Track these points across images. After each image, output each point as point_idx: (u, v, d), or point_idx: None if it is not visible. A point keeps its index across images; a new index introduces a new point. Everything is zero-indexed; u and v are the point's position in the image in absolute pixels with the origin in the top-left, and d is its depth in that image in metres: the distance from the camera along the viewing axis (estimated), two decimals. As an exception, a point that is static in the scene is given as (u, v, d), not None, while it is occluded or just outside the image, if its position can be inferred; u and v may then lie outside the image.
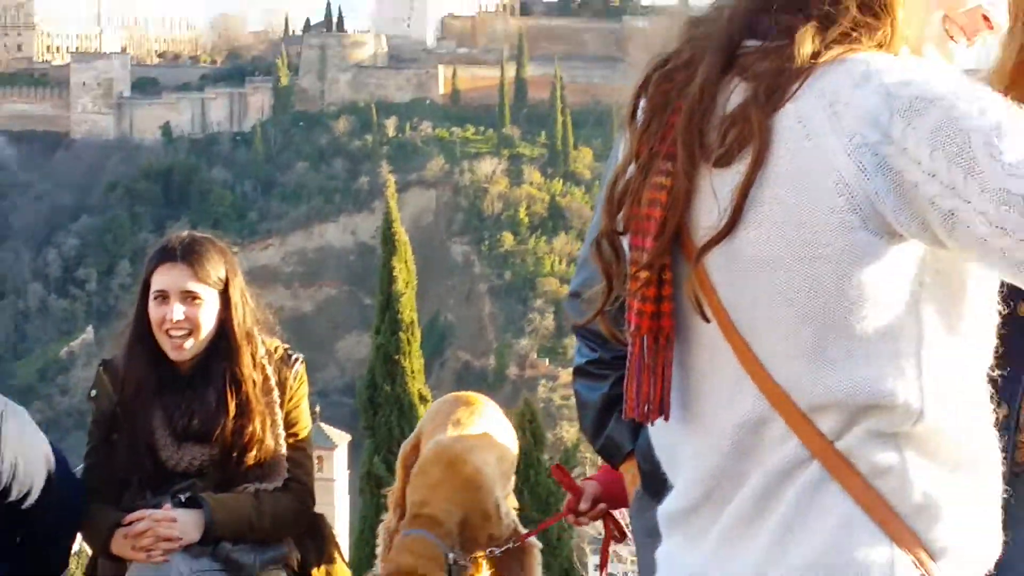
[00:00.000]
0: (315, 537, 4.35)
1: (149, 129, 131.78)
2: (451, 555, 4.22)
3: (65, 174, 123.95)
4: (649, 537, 2.75)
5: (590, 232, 2.83)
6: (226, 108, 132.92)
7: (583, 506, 3.81)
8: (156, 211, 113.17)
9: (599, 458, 3.37)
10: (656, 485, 2.22)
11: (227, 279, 4.06)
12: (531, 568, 4.49)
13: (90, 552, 4.32)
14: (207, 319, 3.96)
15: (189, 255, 3.97)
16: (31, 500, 3.87)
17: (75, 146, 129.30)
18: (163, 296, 3.93)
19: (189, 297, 3.95)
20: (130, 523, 3.95)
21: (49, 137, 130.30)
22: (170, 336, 3.93)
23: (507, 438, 4.75)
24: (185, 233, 4.16)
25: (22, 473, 3.87)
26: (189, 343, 3.95)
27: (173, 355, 3.95)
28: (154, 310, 3.93)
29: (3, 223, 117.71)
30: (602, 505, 3.73)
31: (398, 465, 4.71)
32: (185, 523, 3.96)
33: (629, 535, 3.54)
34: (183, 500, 4.04)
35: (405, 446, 4.72)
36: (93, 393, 4.17)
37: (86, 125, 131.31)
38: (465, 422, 4.56)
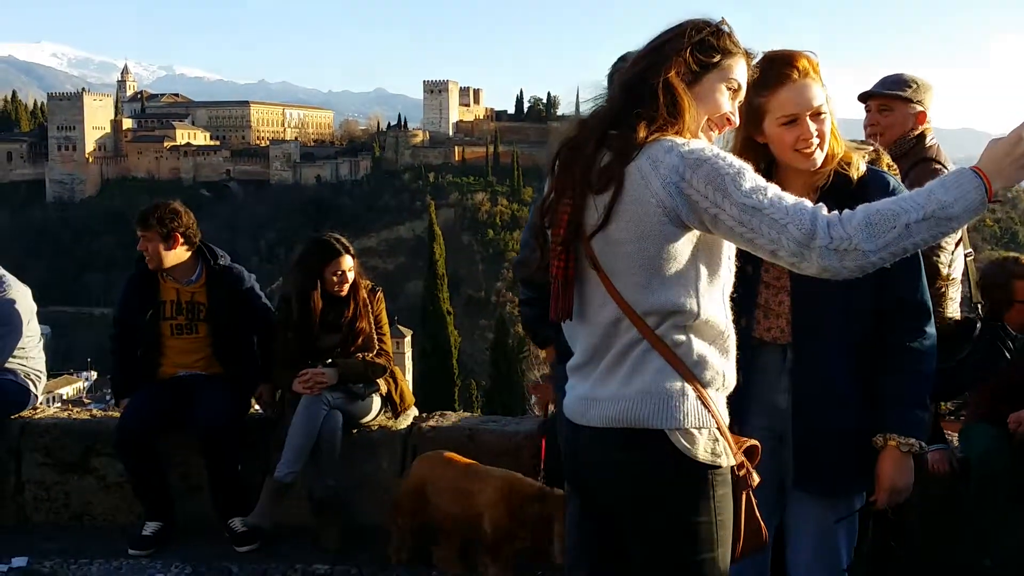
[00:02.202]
0: (394, 379, 4.58)
1: (310, 178, 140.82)
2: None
3: (267, 202, 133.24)
4: (560, 380, 2.49)
5: (526, 230, 3.00)
6: (348, 167, 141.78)
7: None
8: (312, 221, 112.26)
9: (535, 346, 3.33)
10: (563, 355, 2.45)
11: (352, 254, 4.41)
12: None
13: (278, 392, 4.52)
14: (350, 277, 4.38)
15: (347, 248, 4.41)
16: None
17: (272, 187, 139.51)
18: (335, 272, 4.36)
19: (340, 266, 4.35)
20: (302, 375, 4.26)
21: (259, 183, 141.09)
22: (336, 285, 4.38)
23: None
24: (326, 234, 4.49)
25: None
26: (344, 290, 4.38)
27: (340, 294, 4.37)
28: (332, 282, 4.36)
29: (235, 228, 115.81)
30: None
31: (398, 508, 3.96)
32: (329, 374, 4.26)
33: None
34: (327, 363, 4.34)
35: (406, 491, 3.92)
36: (280, 309, 4.45)
37: (277, 176, 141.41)
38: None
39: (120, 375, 4.59)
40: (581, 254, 1.95)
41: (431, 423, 4.70)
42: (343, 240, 4.50)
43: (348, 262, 4.43)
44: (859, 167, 2.42)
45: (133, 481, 4.34)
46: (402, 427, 4.64)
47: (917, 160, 3.50)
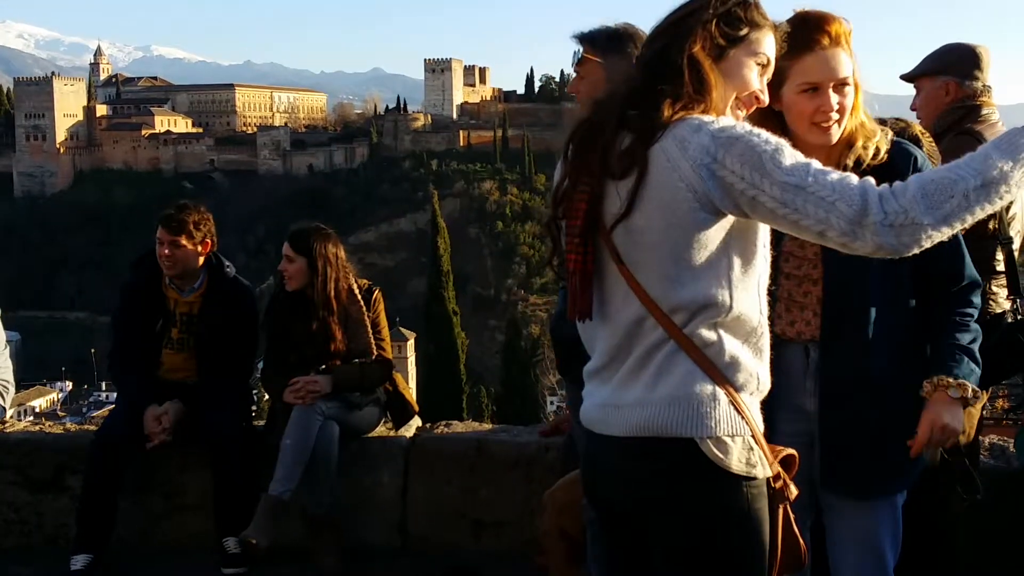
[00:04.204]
0: (395, 387, 4.64)
1: (301, 168, 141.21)
2: None
3: (255, 193, 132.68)
4: (574, 383, 2.78)
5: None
6: (342, 155, 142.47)
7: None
8: (305, 214, 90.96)
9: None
10: (569, 362, 2.86)
11: (312, 248, 4.39)
12: None
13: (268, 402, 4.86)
14: (298, 272, 4.37)
15: (291, 237, 4.46)
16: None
17: (260, 178, 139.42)
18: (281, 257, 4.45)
19: (288, 259, 4.38)
20: (292, 383, 4.31)
21: (246, 173, 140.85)
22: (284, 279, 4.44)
23: None
24: (303, 222, 4.57)
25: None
26: (290, 285, 4.41)
27: (288, 288, 4.42)
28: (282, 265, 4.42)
29: (221, 221, 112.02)
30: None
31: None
32: (322, 382, 4.30)
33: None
34: (320, 370, 4.38)
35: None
36: (264, 314, 4.57)
37: (265, 166, 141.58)
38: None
39: (127, 376, 4.61)
40: (600, 247, 1.93)
41: (435, 433, 4.73)
42: (301, 227, 4.51)
43: (286, 249, 4.44)
44: (884, 145, 2.46)
45: (86, 499, 4.31)
46: (405, 438, 4.66)
47: (954, 133, 3.51)
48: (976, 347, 2.48)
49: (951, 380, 2.40)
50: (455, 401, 38.84)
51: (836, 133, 2.42)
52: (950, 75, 3.63)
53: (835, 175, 1.79)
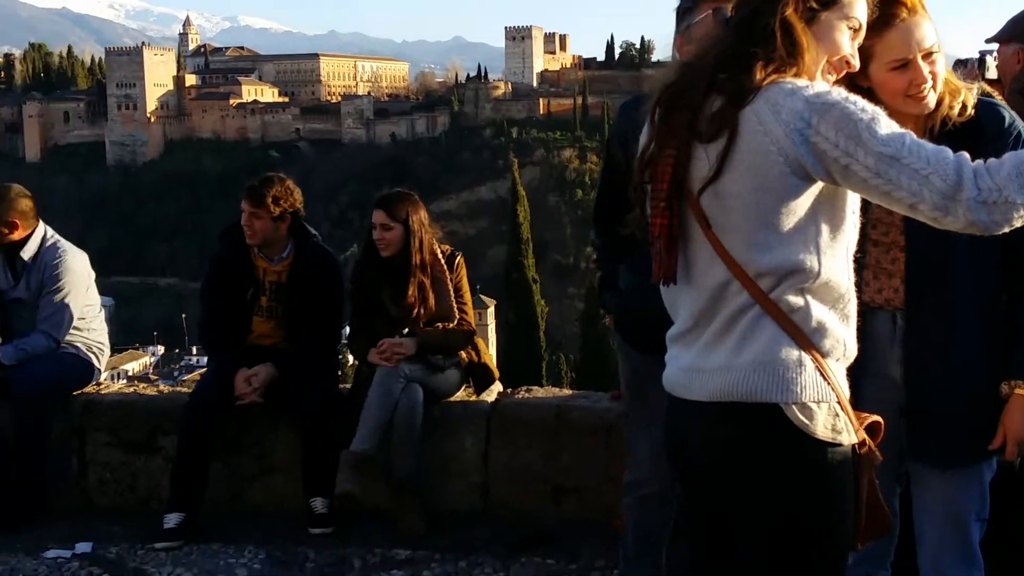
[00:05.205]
0: (476, 352, 4.68)
1: (384, 136, 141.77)
2: None
3: (339, 162, 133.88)
4: (619, 353, 3.11)
5: (602, 185, 3.14)
6: (424, 124, 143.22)
7: None
8: (388, 182, 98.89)
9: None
10: (619, 326, 3.02)
11: (407, 215, 4.44)
12: None
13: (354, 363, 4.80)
14: (394, 238, 4.42)
15: (384, 203, 4.48)
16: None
17: (344, 147, 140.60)
18: (374, 226, 4.47)
19: (384, 227, 4.44)
20: (379, 346, 4.39)
21: (331, 142, 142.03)
22: (378, 247, 4.49)
23: None
24: (386, 190, 4.63)
25: None
26: (386, 251, 4.45)
27: (383, 255, 4.47)
28: (374, 234, 4.48)
29: (307, 190, 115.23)
30: None
31: None
32: (407, 345, 4.37)
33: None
34: (404, 333, 4.45)
35: None
36: (352, 279, 4.63)
37: (350, 135, 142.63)
38: None
39: (218, 343, 4.77)
40: (686, 211, 1.92)
41: (516, 399, 4.75)
42: (397, 193, 4.58)
43: (380, 217, 4.49)
44: (970, 101, 2.42)
45: (179, 460, 4.43)
46: (486, 403, 4.69)
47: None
48: None
49: None
50: (535, 368, 38.97)
51: (932, 100, 2.38)
52: (1021, 42, 3.54)
53: (930, 147, 1.77)
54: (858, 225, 1.96)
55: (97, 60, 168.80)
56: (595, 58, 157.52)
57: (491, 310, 62.41)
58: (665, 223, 1.92)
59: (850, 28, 1.95)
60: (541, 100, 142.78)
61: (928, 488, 2.53)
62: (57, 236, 4.88)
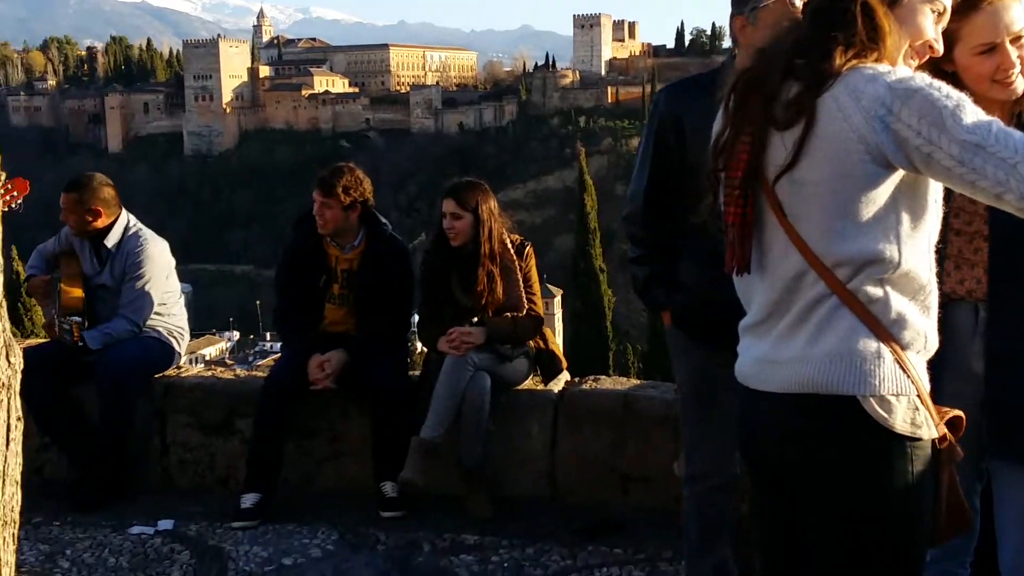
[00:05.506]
0: (544, 341, 4.67)
1: (452, 126, 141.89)
2: None
3: (408, 151, 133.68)
4: (678, 352, 3.08)
5: (637, 177, 3.02)
6: (492, 113, 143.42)
7: None
8: (456, 171, 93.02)
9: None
10: (680, 319, 2.99)
11: (478, 204, 4.45)
12: None
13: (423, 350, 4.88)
14: (464, 227, 4.43)
15: (454, 192, 4.50)
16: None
17: (413, 136, 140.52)
18: (444, 215, 4.49)
19: (454, 216, 4.44)
20: (448, 334, 4.41)
21: (400, 132, 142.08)
22: (448, 236, 4.49)
23: None
24: (456, 179, 4.61)
25: None
26: (456, 240, 4.47)
27: (453, 244, 4.48)
28: (444, 223, 4.49)
29: (376, 179, 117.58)
30: None
31: None
32: (476, 334, 4.39)
33: None
34: (473, 322, 4.48)
35: None
36: (421, 268, 4.62)
37: (418, 124, 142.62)
38: None
39: (292, 330, 4.81)
40: (761, 199, 1.89)
41: (583, 388, 4.74)
42: (467, 182, 4.58)
43: (450, 206, 4.50)
44: None
45: (255, 443, 4.51)
46: (553, 392, 4.69)
47: None
48: None
49: None
50: (602, 358, 38.59)
51: (1021, 85, 2.32)
52: None
53: (1018, 136, 1.71)
54: (941, 214, 1.90)
55: (175, 52, 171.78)
56: (664, 45, 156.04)
57: (558, 299, 61.05)
58: (739, 211, 1.89)
59: (934, 12, 1.91)
60: (609, 88, 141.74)
61: (1009, 485, 2.45)
62: (139, 224, 4.98)
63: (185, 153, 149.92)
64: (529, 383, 4.74)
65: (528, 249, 4.66)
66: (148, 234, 4.95)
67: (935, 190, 1.87)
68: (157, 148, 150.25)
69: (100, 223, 4.83)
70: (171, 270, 5.02)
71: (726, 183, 1.92)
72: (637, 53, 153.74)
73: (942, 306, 1.96)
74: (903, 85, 1.76)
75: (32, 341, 5.30)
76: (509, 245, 4.59)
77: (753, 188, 1.89)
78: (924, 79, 1.77)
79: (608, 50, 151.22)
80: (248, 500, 4.39)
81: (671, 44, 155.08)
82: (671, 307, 3.09)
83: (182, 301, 5.18)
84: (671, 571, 3.82)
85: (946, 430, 1.88)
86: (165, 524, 4.31)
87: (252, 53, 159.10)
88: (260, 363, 61.56)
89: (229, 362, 62.52)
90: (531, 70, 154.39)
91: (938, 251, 1.99)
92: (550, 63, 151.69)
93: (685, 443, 3.28)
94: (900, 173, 1.80)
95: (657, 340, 40.58)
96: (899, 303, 1.84)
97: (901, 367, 1.82)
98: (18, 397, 2.02)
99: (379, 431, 4.53)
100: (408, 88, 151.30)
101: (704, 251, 2.70)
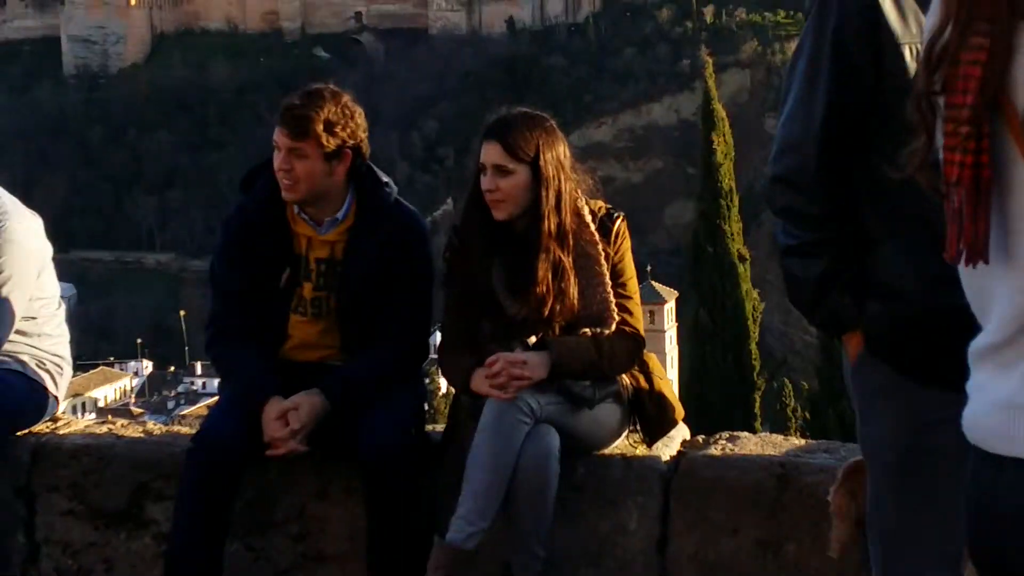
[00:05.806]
0: (647, 374, 4.74)
1: (495, 23, 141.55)
2: None
3: (424, 65, 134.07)
4: (874, 395, 3.11)
5: (786, 119, 3.06)
6: (562, 2, 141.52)
7: None
8: (503, 96, 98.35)
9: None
10: (876, 347, 3.01)
11: (538, 153, 4.49)
12: None
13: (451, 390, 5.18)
14: (516, 189, 4.48)
15: (500, 133, 4.49)
16: None
17: (432, 41, 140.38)
18: (483, 169, 4.50)
19: (500, 170, 4.48)
20: (489, 364, 4.45)
21: (410, 33, 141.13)
22: (489, 203, 4.52)
23: None
24: (503, 111, 4.64)
25: None
26: (501, 210, 4.49)
27: (497, 217, 4.53)
28: (482, 182, 4.51)
29: (373, 110, 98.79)
30: None
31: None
32: (534, 363, 4.42)
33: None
34: (531, 344, 4.57)
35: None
36: (446, 255, 4.67)
37: (441, 22, 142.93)
38: None
39: (236, 355, 4.79)
40: (1005, 141, 1.89)
41: (712, 452, 4.73)
42: (520, 118, 4.57)
43: (494, 154, 4.50)
44: None
45: (178, 541, 4.52)
46: (662, 459, 4.69)
47: None
48: None
49: None
50: (743, 400, 38.44)
51: None
52: None
53: None
54: None
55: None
56: None
57: (670, 306, 63.76)
58: (968, 160, 1.89)
59: None
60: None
61: None
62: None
63: (64, 71, 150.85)
64: (623, 444, 4.75)
65: (619, 225, 4.66)
66: (6, 203, 4.84)
67: None
68: (19, 62, 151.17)
69: None
70: (45, 263, 4.99)
71: (947, 115, 1.92)
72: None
73: None
74: None
75: None
76: (589, 219, 4.59)
77: (992, 123, 1.88)
78: None
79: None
80: None
81: None
82: (863, 325, 3.10)
83: (61, 313, 5.14)
84: None
85: None
86: None
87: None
88: (185, 412, 62.10)
89: (136, 410, 63.86)
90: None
91: None
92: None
93: (878, 548, 3.27)
94: None
95: (833, 375, 40.27)
96: None
97: None
98: None
99: (375, 521, 4.52)
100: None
101: (917, 230, 2.75)
